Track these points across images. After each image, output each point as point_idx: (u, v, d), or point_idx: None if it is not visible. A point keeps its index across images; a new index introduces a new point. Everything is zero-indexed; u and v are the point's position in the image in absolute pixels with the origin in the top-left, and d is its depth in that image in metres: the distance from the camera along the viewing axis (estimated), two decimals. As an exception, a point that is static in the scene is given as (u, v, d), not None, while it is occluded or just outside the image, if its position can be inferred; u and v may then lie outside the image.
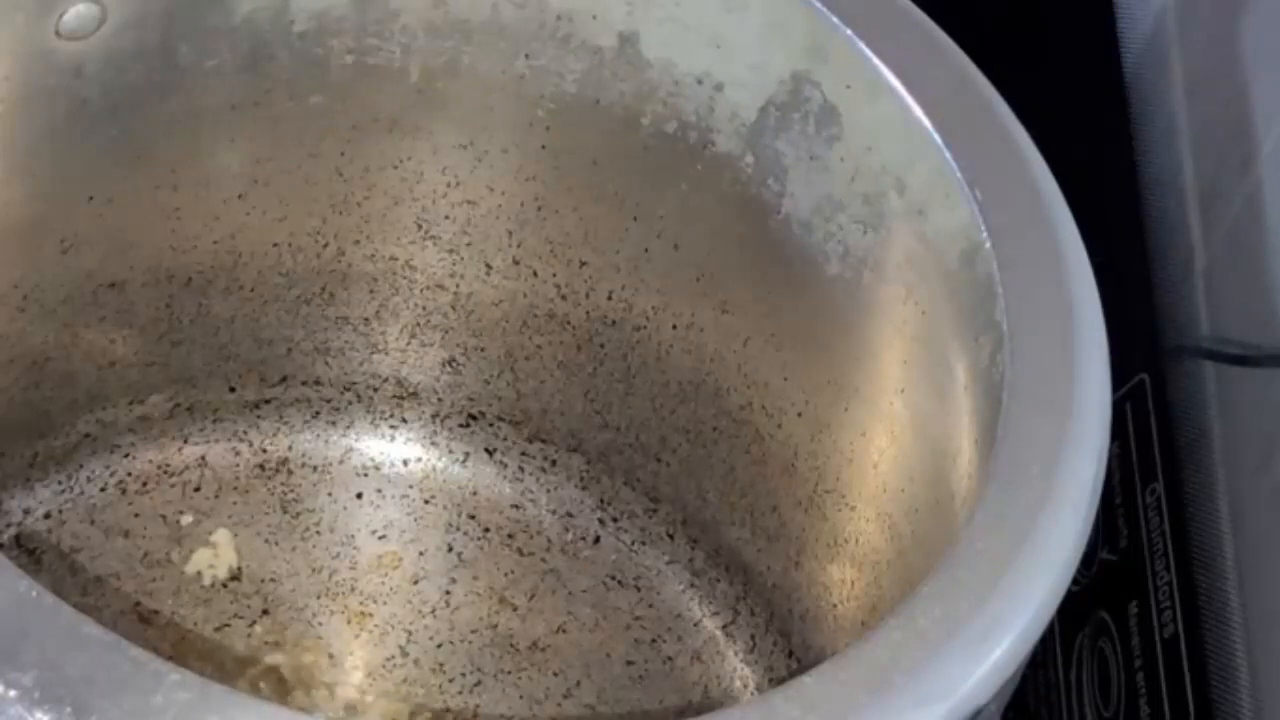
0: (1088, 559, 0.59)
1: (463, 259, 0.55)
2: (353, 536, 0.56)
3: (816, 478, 0.51)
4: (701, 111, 0.49)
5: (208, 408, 0.56)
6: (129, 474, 0.56)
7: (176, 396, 0.56)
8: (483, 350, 0.57)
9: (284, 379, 0.57)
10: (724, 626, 0.56)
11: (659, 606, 0.56)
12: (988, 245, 0.42)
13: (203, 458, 0.57)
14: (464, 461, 0.58)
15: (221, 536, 0.55)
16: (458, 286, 0.56)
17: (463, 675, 0.54)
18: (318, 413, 0.58)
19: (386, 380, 0.58)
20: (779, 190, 0.48)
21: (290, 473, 0.57)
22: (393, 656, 0.54)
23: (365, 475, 0.58)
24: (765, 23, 0.46)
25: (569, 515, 0.58)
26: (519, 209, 0.53)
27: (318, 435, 0.58)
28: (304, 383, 0.57)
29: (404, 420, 0.58)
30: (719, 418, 0.54)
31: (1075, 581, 0.38)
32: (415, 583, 0.56)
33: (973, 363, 0.42)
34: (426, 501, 0.58)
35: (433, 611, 0.55)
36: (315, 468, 0.57)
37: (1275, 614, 0.54)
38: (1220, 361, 0.60)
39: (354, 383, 0.58)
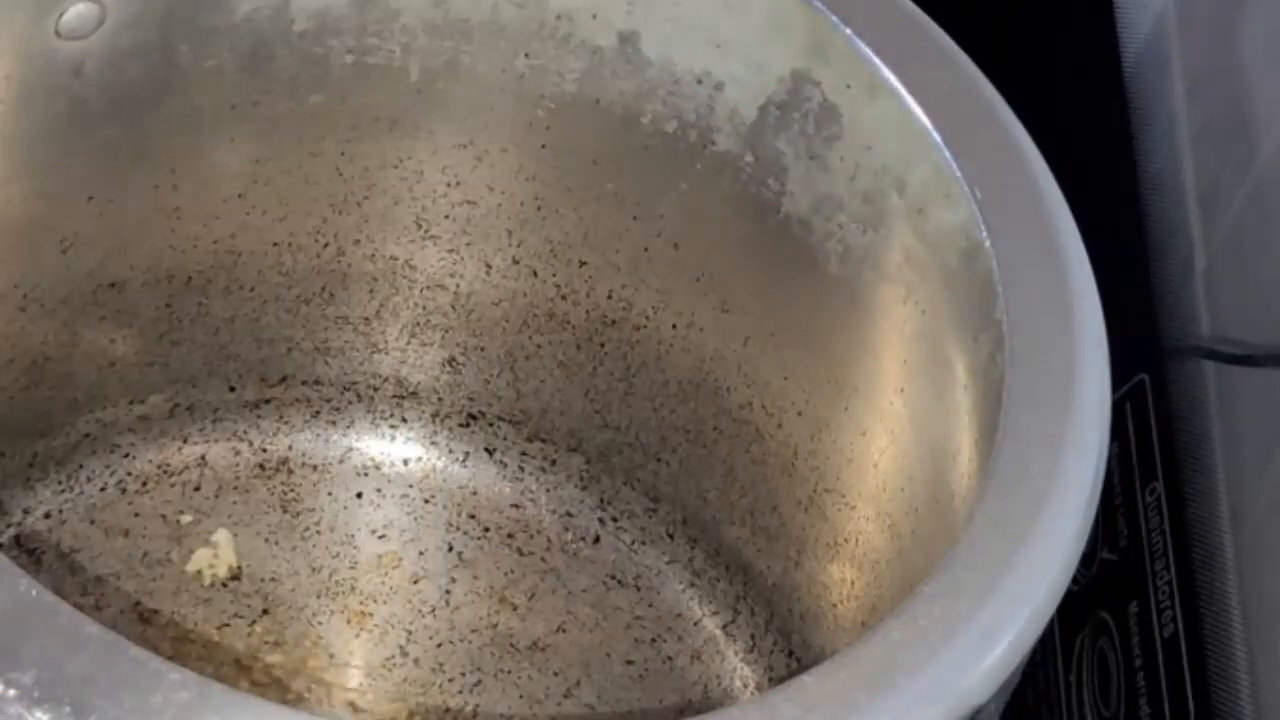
0: (1088, 559, 0.59)
1: (463, 259, 0.55)
2: (353, 536, 0.56)
3: (816, 477, 0.51)
4: (701, 111, 0.49)
5: (208, 408, 0.56)
6: (129, 474, 0.56)
7: (176, 396, 0.56)
8: (483, 350, 0.57)
9: (284, 379, 0.57)
10: (724, 626, 0.56)
11: (659, 606, 0.56)
12: (988, 245, 0.42)
13: (203, 458, 0.57)
14: (464, 461, 0.58)
15: (221, 536, 0.55)
16: (458, 286, 0.56)
17: (462, 675, 0.54)
18: (318, 412, 0.58)
19: (386, 380, 0.58)
20: (779, 190, 0.48)
21: (290, 472, 0.57)
22: (392, 656, 0.54)
23: (365, 475, 0.58)
24: (765, 22, 0.46)
25: (569, 515, 0.58)
26: (519, 209, 0.53)
27: (318, 435, 0.58)
28: (304, 383, 0.57)
29: (404, 420, 0.58)
30: (719, 417, 0.54)
31: (1075, 581, 0.38)
32: (415, 582, 0.56)
33: (972, 362, 0.42)
34: (426, 501, 0.58)
35: (433, 611, 0.55)
36: (315, 467, 0.57)
37: (1275, 614, 0.54)
38: (1220, 361, 0.60)
39: (354, 382, 0.58)
